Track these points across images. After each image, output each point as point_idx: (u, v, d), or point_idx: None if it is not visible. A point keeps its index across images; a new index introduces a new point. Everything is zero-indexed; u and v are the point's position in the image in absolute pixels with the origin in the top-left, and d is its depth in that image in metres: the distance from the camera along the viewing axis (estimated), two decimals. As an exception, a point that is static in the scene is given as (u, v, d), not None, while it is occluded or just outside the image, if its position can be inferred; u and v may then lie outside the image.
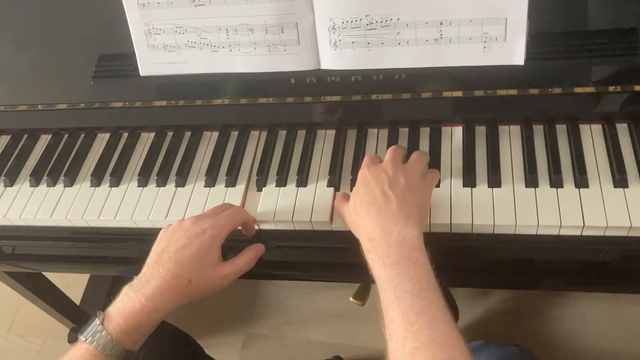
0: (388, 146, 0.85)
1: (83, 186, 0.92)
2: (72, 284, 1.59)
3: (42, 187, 0.93)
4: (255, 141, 0.91)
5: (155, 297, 0.67)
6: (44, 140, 1.00)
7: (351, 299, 1.37)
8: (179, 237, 0.70)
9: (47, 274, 1.38)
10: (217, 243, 0.71)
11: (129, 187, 0.90)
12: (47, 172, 0.94)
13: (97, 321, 0.67)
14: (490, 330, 1.43)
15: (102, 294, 1.57)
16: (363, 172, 0.73)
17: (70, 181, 0.92)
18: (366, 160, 0.75)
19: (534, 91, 0.80)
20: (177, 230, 0.72)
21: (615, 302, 1.43)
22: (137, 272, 1.22)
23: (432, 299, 0.59)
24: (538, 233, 0.75)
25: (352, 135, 0.88)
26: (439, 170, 0.80)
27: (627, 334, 1.38)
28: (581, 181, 0.76)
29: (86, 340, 0.66)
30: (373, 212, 0.67)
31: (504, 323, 1.45)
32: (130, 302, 0.67)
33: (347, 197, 0.75)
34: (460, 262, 0.80)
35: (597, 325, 1.40)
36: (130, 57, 0.85)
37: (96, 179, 0.91)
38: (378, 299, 0.62)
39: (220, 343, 1.57)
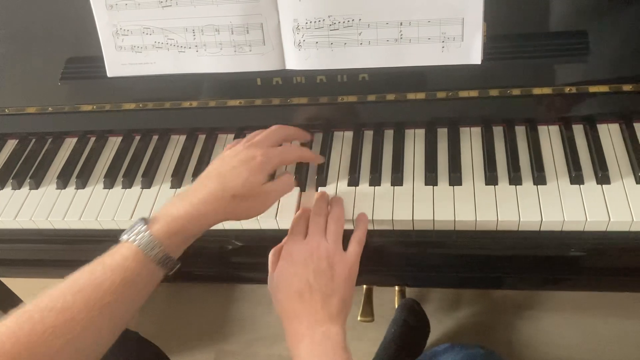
0: (353, 149, 0.87)
1: (49, 189, 0.91)
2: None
3: (7, 190, 0.92)
4: (223, 144, 0.92)
5: (200, 207, 0.68)
6: (11, 145, 1.00)
7: (359, 318, 1.37)
8: (230, 160, 0.73)
9: (17, 292, 1.36)
10: (264, 170, 0.73)
11: (95, 189, 0.90)
12: (12, 175, 0.94)
13: (141, 222, 0.66)
14: (459, 342, 1.43)
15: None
16: (290, 250, 0.73)
17: (36, 184, 0.92)
18: (296, 225, 0.75)
19: (493, 92, 0.82)
20: (229, 154, 0.74)
21: (582, 313, 1.44)
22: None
23: None
24: (498, 229, 0.76)
25: (318, 138, 0.90)
26: (402, 172, 0.82)
27: (596, 344, 1.39)
28: (539, 178, 0.78)
29: (129, 239, 0.65)
30: (298, 309, 0.68)
31: (473, 335, 1.45)
32: (175, 207, 0.68)
33: (276, 256, 0.75)
34: (423, 259, 0.81)
35: (566, 336, 1.41)
36: (98, 59, 0.86)
37: (62, 181, 0.91)
38: None
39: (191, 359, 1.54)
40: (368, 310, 1.37)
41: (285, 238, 0.75)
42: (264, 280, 0.75)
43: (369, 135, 0.89)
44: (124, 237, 0.66)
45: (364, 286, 1.38)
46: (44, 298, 0.60)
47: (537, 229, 0.75)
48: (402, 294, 1.44)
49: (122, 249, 0.65)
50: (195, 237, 0.70)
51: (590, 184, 0.76)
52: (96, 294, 0.60)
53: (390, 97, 0.85)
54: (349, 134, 0.90)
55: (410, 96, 0.85)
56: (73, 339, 0.58)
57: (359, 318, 1.35)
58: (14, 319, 0.58)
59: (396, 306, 1.41)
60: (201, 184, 0.71)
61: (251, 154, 0.73)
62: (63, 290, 0.60)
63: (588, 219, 0.73)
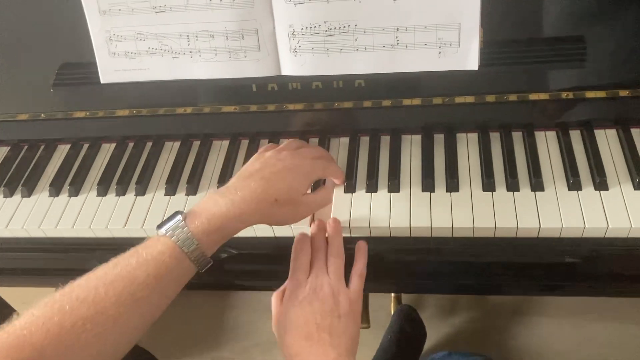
0: (349, 155, 0.86)
1: (41, 196, 0.90)
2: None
3: (-2, 197, 0.91)
4: (217, 150, 0.91)
5: (242, 205, 0.67)
6: (3, 152, 0.99)
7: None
8: (275, 163, 0.72)
9: (9, 300, 1.34)
10: (308, 179, 0.74)
11: (88, 196, 0.88)
12: (4, 183, 0.92)
13: (179, 217, 0.65)
14: (455, 348, 1.42)
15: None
16: (294, 291, 0.69)
17: (28, 191, 0.90)
18: (296, 260, 0.72)
19: (490, 98, 0.82)
20: (273, 156, 0.74)
21: (578, 319, 1.44)
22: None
23: None
24: (496, 236, 0.75)
25: (314, 144, 0.89)
26: (399, 178, 0.81)
27: (592, 349, 1.39)
28: (537, 185, 0.77)
29: (166, 233, 0.64)
30: (306, 350, 0.65)
31: (469, 342, 1.45)
32: (216, 205, 0.67)
33: (280, 295, 0.72)
34: (420, 266, 0.81)
35: (562, 341, 1.41)
36: (92, 65, 0.85)
37: (55, 189, 0.89)
38: None
39: (186, 367, 1.53)
40: (364, 316, 1.36)
41: (287, 280, 0.72)
42: (259, 287, 0.75)
43: (365, 141, 0.88)
44: (162, 230, 0.64)
45: (360, 292, 1.37)
46: (75, 288, 0.58)
47: (536, 235, 0.74)
48: (398, 300, 1.43)
49: (158, 243, 0.63)
50: (230, 236, 0.68)
51: (588, 190, 0.76)
52: (129, 287, 0.59)
53: (387, 103, 0.84)
54: (345, 140, 0.89)
55: (407, 102, 0.84)
56: (103, 332, 0.57)
57: None
58: (44, 308, 0.56)
59: (392, 312, 1.41)
60: (242, 183, 0.70)
61: (297, 162, 0.73)
62: (95, 282, 0.59)
63: (586, 226, 0.72)
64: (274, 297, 0.73)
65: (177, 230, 0.64)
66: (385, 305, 1.47)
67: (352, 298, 0.70)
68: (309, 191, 0.78)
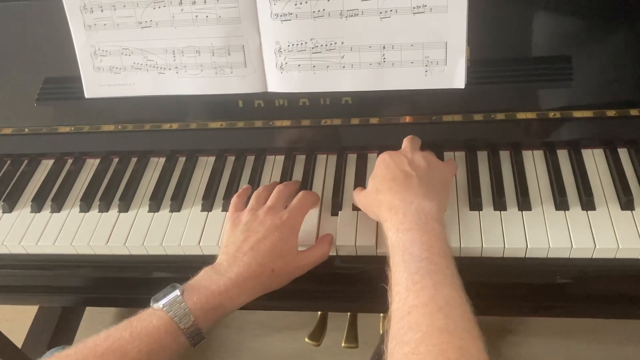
0: (336, 172, 0.85)
1: (23, 212, 0.89)
2: (16, 327, 1.52)
3: (-21, 213, 0.89)
4: (203, 167, 0.90)
5: (240, 284, 0.66)
6: (-16, 167, 0.98)
7: (307, 339, 1.35)
8: (256, 228, 0.70)
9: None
10: (295, 233, 0.72)
11: (71, 212, 0.87)
12: (-16, 199, 0.91)
13: (177, 292, 0.64)
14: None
15: (47, 336, 1.50)
16: (383, 157, 0.74)
17: (10, 207, 0.89)
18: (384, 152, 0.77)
19: (477, 117, 0.81)
20: (252, 221, 0.72)
21: (566, 338, 1.43)
22: (84, 302, 1.17)
23: (441, 265, 0.59)
24: (483, 255, 0.74)
25: (300, 161, 0.88)
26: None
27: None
28: (524, 204, 0.76)
29: (163, 307, 0.63)
30: (394, 187, 0.68)
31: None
32: (214, 283, 0.66)
33: (362, 188, 0.77)
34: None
35: (551, 361, 1.40)
36: (76, 79, 0.84)
37: (37, 205, 0.88)
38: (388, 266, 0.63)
39: (171, 387, 1.50)
40: (352, 335, 1.34)
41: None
42: (247, 306, 0.73)
43: (352, 158, 0.87)
44: (158, 304, 0.64)
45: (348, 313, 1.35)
46: (63, 359, 0.58)
47: (522, 255, 0.74)
48: (387, 319, 1.41)
49: (153, 317, 0.63)
50: (227, 315, 0.68)
51: (576, 210, 0.75)
52: None
53: (374, 120, 0.84)
54: (332, 157, 0.88)
55: (394, 120, 0.84)
56: None
57: (343, 344, 1.32)
58: None
59: (381, 332, 1.39)
60: (234, 258, 0.68)
61: (278, 219, 0.71)
62: (85, 353, 0.58)
63: (574, 246, 0.72)
64: (356, 190, 0.78)
65: (175, 306, 0.63)
66: (374, 325, 1.45)
67: (447, 165, 0.76)
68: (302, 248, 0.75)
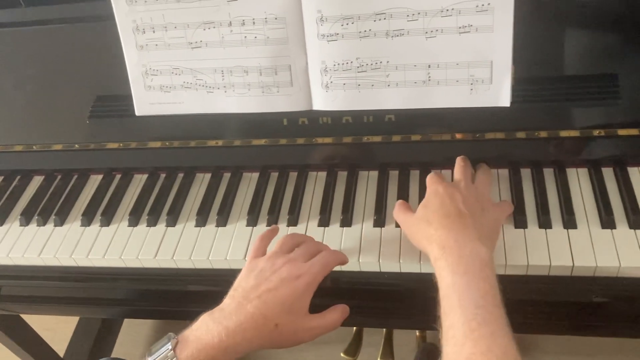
0: (378, 189, 0.86)
1: (73, 226, 0.91)
2: (57, 337, 1.55)
3: (32, 226, 0.93)
4: (247, 182, 0.92)
5: (237, 334, 0.62)
6: (37, 181, 1.01)
7: (342, 354, 1.36)
8: (270, 278, 0.67)
9: (33, 325, 1.35)
10: (310, 291, 0.67)
11: (120, 226, 0.90)
12: (37, 212, 0.94)
13: (169, 345, 0.62)
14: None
15: (87, 347, 1.53)
16: (436, 187, 0.73)
17: (61, 220, 0.92)
18: (434, 176, 0.76)
19: (520, 134, 0.82)
20: (268, 269, 0.68)
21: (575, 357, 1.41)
22: (125, 314, 1.19)
23: (496, 314, 0.59)
24: (528, 273, 0.74)
25: (342, 177, 0.89)
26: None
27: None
28: (569, 222, 0.76)
29: None
30: (447, 225, 0.67)
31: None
32: (209, 333, 0.63)
33: (408, 206, 0.77)
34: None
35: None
36: (126, 97, 0.87)
37: (87, 219, 0.91)
38: (438, 306, 0.63)
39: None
40: (388, 351, 1.34)
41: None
42: None
43: (394, 175, 0.88)
44: (150, 359, 0.63)
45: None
46: None
47: (569, 274, 0.73)
48: (423, 338, 1.41)
49: None
50: None
51: (623, 228, 0.75)
52: None
53: (416, 137, 0.85)
54: (374, 174, 0.89)
55: (436, 137, 0.85)
56: None
57: (341, 354, 1.32)
58: None
59: (417, 349, 1.38)
60: (238, 305, 0.65)
61: (294, 272, 0.67)
62: None
63: (622, 265, 0.71)
64: (399, 205, 0.77)
65: None
66: (410, 340, 1.44)
67: (500, 208, 0.75)
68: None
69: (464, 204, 0.69)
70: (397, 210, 0.78)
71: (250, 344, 0.64)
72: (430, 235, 0.68)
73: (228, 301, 0.67)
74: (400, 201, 0.79)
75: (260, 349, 0.66)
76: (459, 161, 0.79)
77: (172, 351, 0.62)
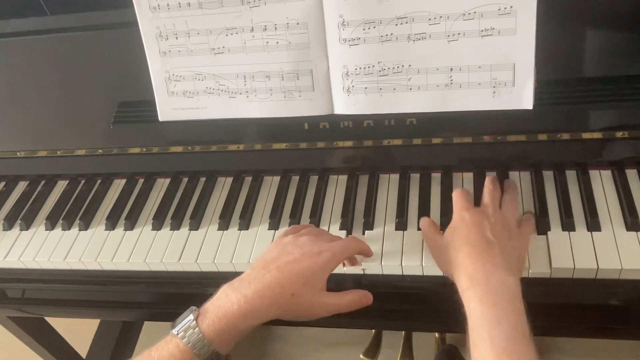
0: (400, 192, 0.87)
1: (97, 230, 0.93)
2: (79, 338, 1.57)
3: (57, 230, 0.94)
4: (269, 186, 0.93)
5: (255, 301, 0.64)
6: (61, 186, 1.03)
7: (361, 356, 1.36)
8: (292, 251, 0.69)
9: (56, 327, 1.37)
10: (329, 268, 0.69)
11: (143, 230, 0.91)
12: (62, 216, 0.95)
13: (191, 316, 0.64)
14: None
15: (109, 348, 1.55)
16: (463, 214, 0.72)
17: (85, 225, 0.93)
18: (460, 199, 0.74)
19: (542, 137, 0.81)
20: (291, 243, 0.71)
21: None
22: (146, 317, 1.21)
23: (525, 346, 0.59)
24: (552, 277, 0.74)
25: (364, 181, 0.90)
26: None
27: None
28: (593, 225, 0.76)
29: (178, 334, 0.63)
30: (474, 254, 0.66)
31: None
32: (228, 301, 0.64)
33: (436, 226, 0.77)
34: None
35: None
36: (149, 103, 0.88)
37: (111, 223, 0.92)
38: (467, 337, 0.63)
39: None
40: (407, 353, 1.34)
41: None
42: (296, 323, 0.73)
43: (415, 178, 0.88)
44: (174, 330, 0.64)
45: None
46: None
47: (593, 277, 0.73)
48: (442, 340, 1.41)
49: (170, 345, 0.63)
50: (245, 333, 0.66)
51: (648, 231, 0.74)
52: None
53: (437, 140, 0.85)
54: (394, 177, 0.90)
55: (457, 140, 0.84)
56: None
57: (361, 355, 1.33)
58: None
59: (436, 351, 1.38)
60: (257, 274, 0.67)
61: (316, 249, 0.69)
62: None
63: (645, 267, 0.71)
64: (427, 223, 0.76)
65: (189, 332, 0.63)
66: (429, 343, 1.44)
67: (524, 235, 0.73)
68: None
69: (491, 232, 0.68)
70: (424, 231, 0.77)
71: (267, 311, 0.65)
72: (458, 265, 0.67)
73: (249, 271, 0.69)
74: (427, 220, 0.78)
75: (279, 317, 0.67)
76: (488, 184, 0.77)
77: (194, 321, 0.64)
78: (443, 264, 0.72)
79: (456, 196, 0.75)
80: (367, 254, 0.77)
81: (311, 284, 0.67)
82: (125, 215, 0.93)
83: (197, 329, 0.63)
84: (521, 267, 0.71)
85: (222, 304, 0.65)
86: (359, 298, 0.71)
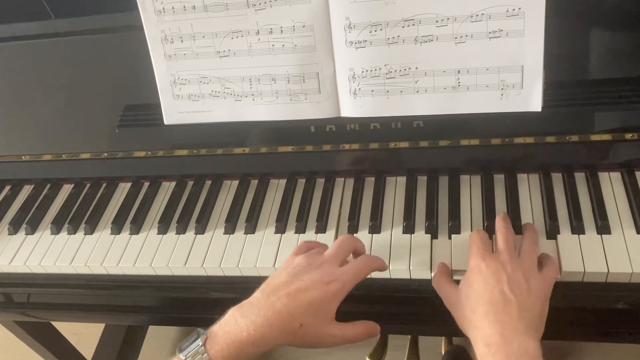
0: (407, 195, 0.86)
1: (103, 234, 0.92)
2: (84, 341, 1.57)
3: (63, 235, 0.94)
4: (275, 189, 0.92)
5: (264, 329, 0.63)
6: (67, 189, 1.02)
7: (368, 358, 1.35)
8: (303, 278, 0.67)
9: (60, 330, 1.37)
10: (339, 298, 0.67)
11: (149, 234, 0.90)
12: (67, 220, 0.95)
13: (199, 341, 0.63)
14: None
15: (115, 350, 1.55)
16: (478, 263, 0.68)
17: (91, 229, 0.93)
18: (477, 243, 0.71)
19: (550, 139, 0.81)
20: (302, 269, 0.69)
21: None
22: (152, 321, 1.20)
23: None
24: (562, 280, 0.73)
25: (370, 183, 0.89)
26: (459, 219, 0.80)
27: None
28: (603, 227, 0.75)
29: (185, 359, 0.63)
30: (491, 315, 0.63)
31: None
32: (237, 327, 0.64)
33: (449, 273, 0.74)
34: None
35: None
36: (155, 106, 0.87)
37: (116, 227, 0.92)
38: None
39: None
40: (414, 356, 1.34)
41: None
42: None
43: (422, 180, 0.88)
44: (181, 355, 0.63)
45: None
46: None
47: (603, 280, 0.72)
48: (449, 340, 1.40)
49: None
50: (255, 359, 0.65)
51: (660, 234, 0.74)
52: None
53: (444, 143, 0.84)
54: (401, 179, 0.89)
55: (464, 142, 0.84)
56: None
57: (367, 358, 1.32)
58: None
59: (442, 352, 1.38)
60: (267, 300, 0.66)
61: (326, 277, 0.67)
62: None
63: (658, 271, 0.70)
64: (440, 272, 0.73)
65: (197, 357, 0.63)
66: (436, 344, 1.44)
67: (545, 280, 0.68)
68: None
69: (509, 286, 0.65)
70: (437, 279, 0.74)
71: (276, 339, 0.65)
72: (475, 326, 0.65)
73: (258, 295, 0.68)
74: (439, 270, 0.74)
75: (286, 345, 0.66)
76: (499, 226, 0.73)
77: (202, 347, 0.63)
78: (459, 320, 0.69)
79: (473, 240, 0.72)
80: (381, 270, 0.75)
81: (321, 315, 0.66)
82: (130, 219, 0.93)
83: (206, 354, 0.63)
84: (542, 324, 0.66)
85: (231, 329, 0.64)
86: (366, 330, 0.70)
